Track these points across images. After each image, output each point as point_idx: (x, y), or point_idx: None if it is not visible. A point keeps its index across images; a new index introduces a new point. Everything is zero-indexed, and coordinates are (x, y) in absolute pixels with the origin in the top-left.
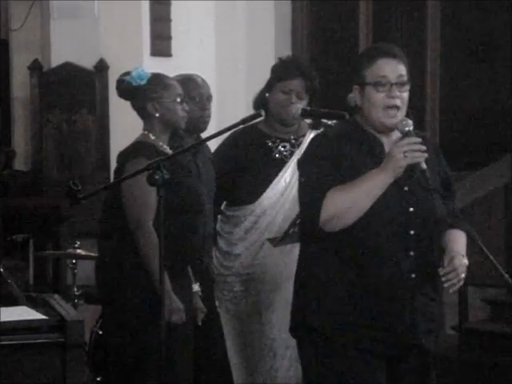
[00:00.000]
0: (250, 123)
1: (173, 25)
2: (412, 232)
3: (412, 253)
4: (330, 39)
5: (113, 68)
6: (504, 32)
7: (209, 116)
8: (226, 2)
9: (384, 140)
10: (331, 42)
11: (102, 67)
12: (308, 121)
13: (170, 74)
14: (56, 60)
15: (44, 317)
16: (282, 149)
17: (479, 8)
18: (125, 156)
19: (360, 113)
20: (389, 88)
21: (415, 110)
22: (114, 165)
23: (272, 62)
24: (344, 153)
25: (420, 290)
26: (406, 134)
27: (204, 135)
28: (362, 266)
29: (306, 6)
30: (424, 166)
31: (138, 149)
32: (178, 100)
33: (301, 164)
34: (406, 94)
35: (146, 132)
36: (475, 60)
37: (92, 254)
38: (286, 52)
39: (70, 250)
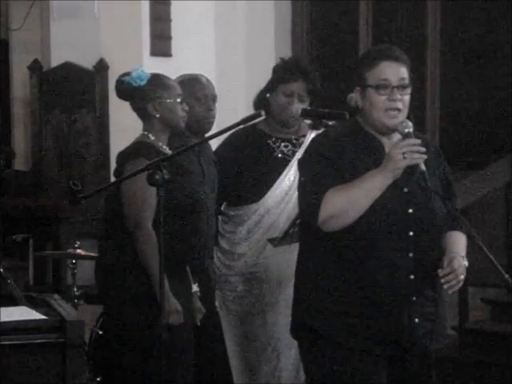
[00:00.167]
0: (251, 123)
1: (173, 25)
2: (411, 233)
3: (411, 254)
4: (330, 39)
5: (113, 68)
6: (504, 32)
7: (213, 116)
8: (226, 2)
9: (384, 141)
10: (331, 42)
11: (101, 67)
12: (308, 121)
13: (170, 74)
14: (56, 60)
15: (44, 317)
16: (284, 148)
17: (479, 8)
18: (124, 156)
19: (361, 114)
20: (390, 91)
21: (415, 110)
22: (114, 165)
23: (272, 61)
24: (344, 153)
25: (419, 291)
26: (405, 136)
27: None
28: (361, 266)
29: (306, 5)
30: (423, 167)
31: (137, 149)
32: (178, 100)
33: (301, 163)
34: (407, 97)
35: (145, 132)
36: (475, 60)
37: (92, 254)
38: (286, 52)
39: (70, 250)
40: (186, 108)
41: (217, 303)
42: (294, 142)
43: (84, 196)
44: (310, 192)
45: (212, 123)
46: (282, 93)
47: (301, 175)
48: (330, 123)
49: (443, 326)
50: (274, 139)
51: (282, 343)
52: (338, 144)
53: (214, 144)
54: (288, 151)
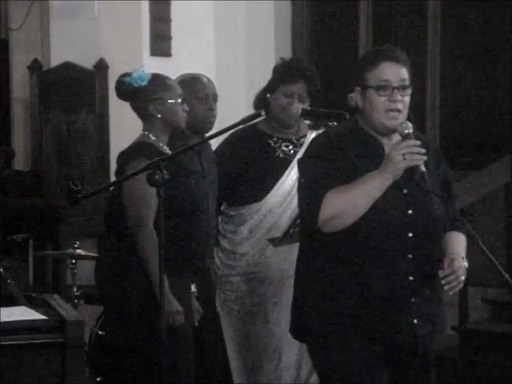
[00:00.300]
0: (251, 123)
1: (173, 25)
2: (411, 234)
3: (410, 255)
4: (330, 39)
5: (113, 68)
6: (504, 32)
7: (214, 116)
8: (226, 2)
9: (384, 142)
10: (331, 42)
11: (101, 67)
12: (307, 121)
13: (170, 74)
14: (56, 60)
15: (44, 317)
16: (286, 148)
17: (479, 8)
18: (126, 157)
19: (361, 114)
20: (391, 92)
21: (415, 110)
22: (113, 165)
23: (272, 61)
24: (344, 154)
25: (418, 292)
26: (405, 137)
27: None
28: (361, 267)
29: (306, 5)
30: (423, 168)
31: (138, 149)
32: (179, 101)
33: (301, 164)
34: (407, 98)
35: (146, 132)
36: (475, 60)
37: (92, 254)
38: (286, 52)
39: (70, 250)
40: (187, 108)
41: (217, 303)
42: (295, 142)
43: (84, 196)
44: (310, 193)
45: (213, 123)
46: (282, 93)
47: (301, 176)
48: (330, 123)
49: (442, 326)
50: (274, 139)
51: (283, 343)
52: (337, 144)
53: (214, 144)
54: (289, 151)
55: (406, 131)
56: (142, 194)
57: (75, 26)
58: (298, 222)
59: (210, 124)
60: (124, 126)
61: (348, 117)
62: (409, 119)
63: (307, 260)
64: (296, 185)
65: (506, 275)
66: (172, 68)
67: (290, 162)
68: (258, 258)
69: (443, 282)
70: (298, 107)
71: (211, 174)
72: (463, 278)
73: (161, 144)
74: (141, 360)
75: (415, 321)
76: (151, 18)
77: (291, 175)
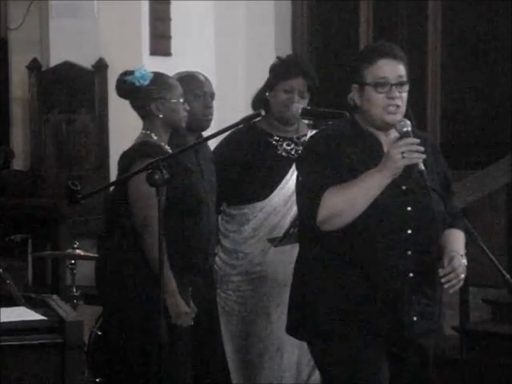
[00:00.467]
0: (250, 123)
1: (172, 24)
2: (410, 231)
3: (410, 252)
4: (330, 39)
5: (112, 67)
6: (505, 32)
7: (212, 114)
8: (226, 1)
9: (382, 139)
10: (331, 42)
11: (101, 66)
12: (306, 121)
13: (170, 73)
14: (55, 59)
15: (43, 317)
16: (287, 147)
17: (480, 7)
18: (131, 157)
19: (358, 111)
20: (389, 89)
21: (416, 109)
22: (113, 165)
23: (272, 61)
24: (342, 151)
25: (418, 289)
26: (404, 135)
27: (205, 134)
28: (360, 265)
29: (306, 5)
30: (422, 166)
31: (143, 149)
32: (181, 100)
33: (299, 163)
34: (405, 94)
35: (148, 132)
36: (476, 60)
37: (91, 255)
38: (286, 52)
39: (69, 251)
40: (188, 108)
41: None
42: (296, 141)
43: (83, 196)
44: (309, 191)
45: (210, 120)
46: (282, 90)
47: (299, 174)
48: (330, 123)
49: (441, 324)
50: (276, 138)
51: (286, 343)
52: (335, 142)
53: (213, 143)
54: (291, 150)
55: (405, 129)
56: (149, 195)
57: (74, 25)
58: (298, 222)
59: (208, 122)
60: (124, 126)
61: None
62: (408, 117)
63: (306, 258)
64: None
65: (507, 275)
66: (172, 68)
67: (293, 160)
68: (261, 258)
69: (443, 280)
70: (298, 106)
71: (209, 172)
72: (463, 276)
73: (162, 143)
74: (140, 360)
75: (415, 318)
76: (151, 17)
77: (295, 174)
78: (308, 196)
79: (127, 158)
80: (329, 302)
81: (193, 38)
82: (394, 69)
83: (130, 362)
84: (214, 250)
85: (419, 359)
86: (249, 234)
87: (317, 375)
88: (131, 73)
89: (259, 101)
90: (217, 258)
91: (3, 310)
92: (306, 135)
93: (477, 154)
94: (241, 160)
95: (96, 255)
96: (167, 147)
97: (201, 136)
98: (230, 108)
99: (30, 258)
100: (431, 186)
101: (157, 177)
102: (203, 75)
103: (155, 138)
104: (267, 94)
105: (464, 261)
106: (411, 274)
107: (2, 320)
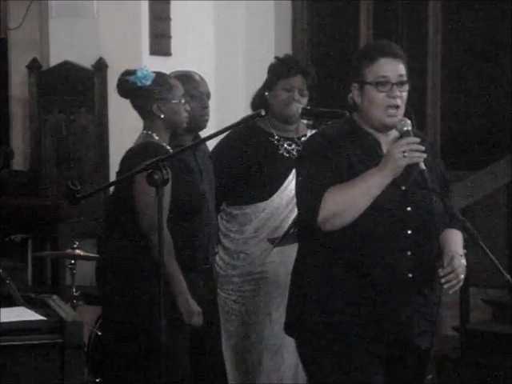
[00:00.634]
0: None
1: (172, 24)
2: (409, 232)
3: (409, 252)
4: (330, 39)
5: (112, 67)
6: (505, 32)
7: (208, 114)
8: (226, 1)
9: (381, 139)
10: (331, 42)
11: (101, 66)
12: (305, 121)
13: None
14: (55, 59)
15: (43, 318)
16: (289, 147)
17: (480, 8)
18: (135, 158)
19: (358, 111)
20: (390, 88)
21: (416, 109)
22: (113, 165)
23: (272, 61)
24: (341, 151)
25: (417, 289)
26: (404, 134)
27: (202, 134)
28: (359, 265)
29: (306, 6)
30: (423, 166)
31: (147, 150)
32: (183, 101)
33: (298, 162)
34: (405, 94)
35: (149, 132)
36: (476, 60)
37: (91, 255)
38: (286, 52)
39: (69, 251)
40: (188, 108)
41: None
42: (297, 141)
43: (83, 196)
44: (309, 191)
45: (207, 120)
46: (282, 88)
47: (298, 174)
48: (330, 123)
49: (439, 325)
50: (276, 137)
51: (286, 343)
52: (334, 142)
53: (211, 144)
54: (292, 150)
55: (405, 128)
56: (154, 196)
57: (74, 25)
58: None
59: (205, 122)
60: (123, 126)
61: None
62: (408, 116)
63: (306, 258)
64: None
65: (507, 275)
66: (172, 67)
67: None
68: (263, 258)
69: (443, 280)
70: (298, 106)
71: (207, 172)
72: (463, 276)
73: (164, 144)
74: (139, 361)
75: (414, 318)
76: (151, 17)
77: None
78: (308, 196)
79: (130, 159)
80: (326, 301)
81: (193, 37)
82: (394, 68)
83: (130, 363)
84: (214, 250)
85: (416, 360)
86: (250, 235)
87: None
88: (133, 72)
89: (259, 101)
90: (217, 258)
91: (3, 310)
92: (305, 135)
93: (477, 154)
94: (242, 160)
95: (96, 255)
96: (168, 147)
97: (197, 136)
98: (229, 108)
99: (29, 258)
100: (432, 185)
101: (156, 177)
102: (199, 75)
103: (156, 138)
104: (267, 93)
105: (463, 261)
106: (410, 275)
107: (2, 320)
